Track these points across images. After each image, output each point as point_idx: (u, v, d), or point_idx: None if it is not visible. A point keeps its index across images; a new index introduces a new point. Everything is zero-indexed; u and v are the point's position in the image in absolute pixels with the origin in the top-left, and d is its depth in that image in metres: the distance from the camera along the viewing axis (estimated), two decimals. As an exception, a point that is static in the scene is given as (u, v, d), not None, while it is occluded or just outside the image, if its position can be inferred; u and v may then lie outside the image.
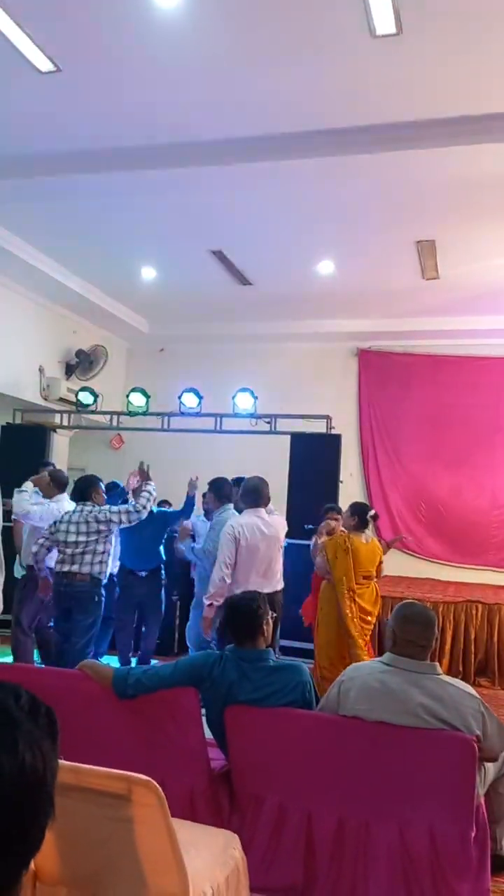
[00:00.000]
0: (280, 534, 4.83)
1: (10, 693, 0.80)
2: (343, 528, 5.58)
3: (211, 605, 4.66)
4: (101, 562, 5.00)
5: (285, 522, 5.10)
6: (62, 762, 2.05)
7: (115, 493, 6.36)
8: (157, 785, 1.89)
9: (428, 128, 4.82)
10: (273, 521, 4.87)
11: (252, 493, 4.83)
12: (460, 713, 2.62)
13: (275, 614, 4.47)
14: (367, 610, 5.31)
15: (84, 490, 5.23)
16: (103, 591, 5.09)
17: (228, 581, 4.64)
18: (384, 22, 3.87)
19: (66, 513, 5.14)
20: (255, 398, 7.27)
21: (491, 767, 2.95)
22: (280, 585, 4.75)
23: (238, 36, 4.11)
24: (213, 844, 2.27)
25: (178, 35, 4.10)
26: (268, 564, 4.68)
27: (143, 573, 5.90)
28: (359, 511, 5.58)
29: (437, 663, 2.82)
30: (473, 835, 2.60)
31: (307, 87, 4.51)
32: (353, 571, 5.19)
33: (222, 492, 5.46)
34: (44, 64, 4.39)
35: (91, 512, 5.03)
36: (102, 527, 5.00)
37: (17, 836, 0.73)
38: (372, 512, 5.65)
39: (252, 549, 4.65)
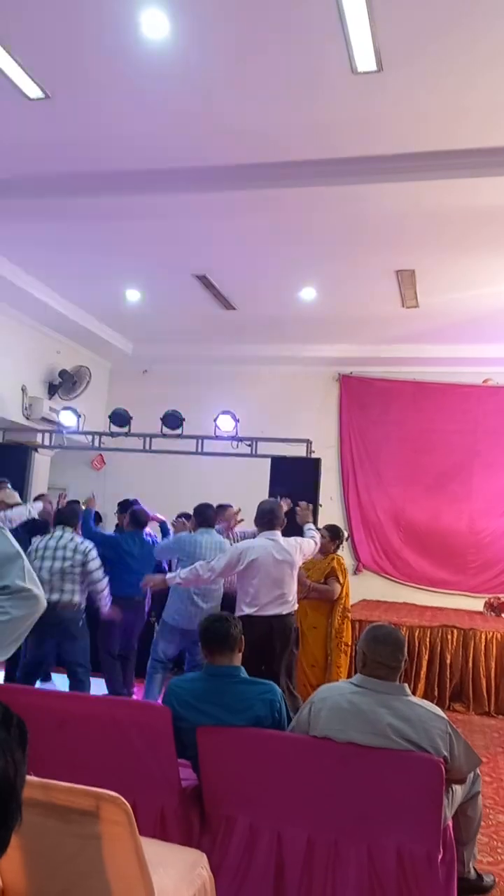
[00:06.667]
0: (294, 557, 4.75)
1: None
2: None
3: (170, 580, 4.88)
4: None
5: (301, 543, 4.93)
6: (32, 778, 2.07)
7: (86, 513, 6.28)
8: (125, 802, 1.90)
9: (408, 161, 4.96)
10: (287, 544, 4.80)
11: (266, 516, 4.82)
12: (428, 734, 2.66)
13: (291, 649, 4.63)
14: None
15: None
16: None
17: (204, 578, 4.74)
18: (365, 59, 4.01)
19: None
20: (237, 421, 7.32)
21: (459, 789, 2.98)
22: (292, 608, 4.74)
23: (225, 68, 4.23)
24: (181, 863, 2.28)
25: (166, 65, 4.21)
26: (279, 587, 4.66)
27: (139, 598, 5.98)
28: (338, 534, 5.85)
29: (405, 685, 2.85)
30: (440, 856, 2.62)
31: (290, 119, 4.63)
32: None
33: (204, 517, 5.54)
34: (33, 90, 4.48)
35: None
36: None
37: None
38: (346, 534, 5.93)
39: (264, 570, 4.65)
